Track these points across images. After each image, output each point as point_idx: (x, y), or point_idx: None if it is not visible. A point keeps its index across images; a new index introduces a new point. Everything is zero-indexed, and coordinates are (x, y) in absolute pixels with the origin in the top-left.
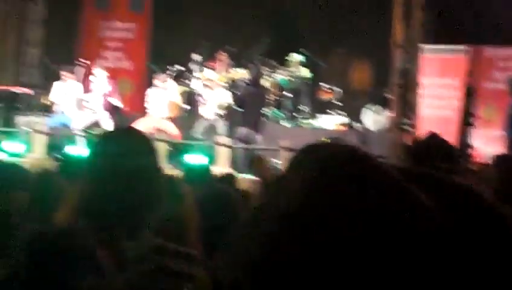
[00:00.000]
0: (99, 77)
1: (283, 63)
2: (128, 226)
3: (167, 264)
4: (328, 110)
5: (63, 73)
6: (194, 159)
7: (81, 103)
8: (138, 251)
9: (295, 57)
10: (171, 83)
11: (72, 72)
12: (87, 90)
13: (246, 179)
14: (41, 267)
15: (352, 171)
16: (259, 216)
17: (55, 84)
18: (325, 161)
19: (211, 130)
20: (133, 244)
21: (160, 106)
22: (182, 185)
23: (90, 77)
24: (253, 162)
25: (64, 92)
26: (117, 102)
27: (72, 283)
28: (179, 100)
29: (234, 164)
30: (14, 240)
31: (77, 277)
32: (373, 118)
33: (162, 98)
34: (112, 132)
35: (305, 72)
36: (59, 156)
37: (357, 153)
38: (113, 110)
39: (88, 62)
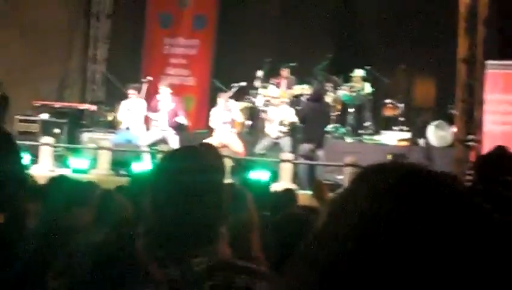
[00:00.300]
0: (165, 95)
1: (346, 79)
2: (195, 242)
3: (235, 280)
4: (391, 126)
5: (129, 91)
6: (257, 175)
7: (147, 120)
8: (206, 267)
9: (358, 73)
10: (232, 102)
11: (138, 90)
12: (151, 107)
13: (308, 195)
14: (100, 280)
15: (420, 191)
16: (329, 229)
17: (123, 103)
18: (395, 182)
19: (275, 146)
20: (201, 261)
21: (224, 124)
22: (246, 194)
23: (157, 96)
24: (314, 187)
25: (130, 109)
26: (182, 119)
27: None
28: (242, 118)
29: (297, 180)
30: (74, 254)
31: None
32: (437, 134)
33: (226, 116)
34: (176, 150)
35: (368, 88)
36: (124, 172)
37: (422, 172)
38: (178, 127)
39: (151, 79)
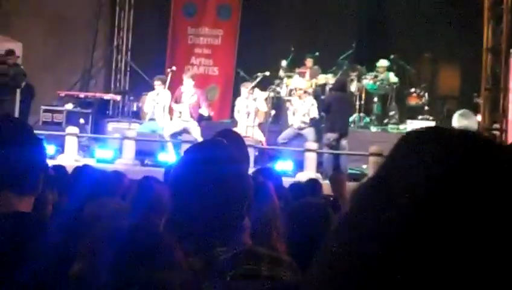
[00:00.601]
0: (188, 86)
1: (371, 68)
2: (220, 232)
3: (260, 269)
4: (416, 115)
5: (155, 82)
6: (281, 165)
7: (171, 111)
8: (230, 256)
9: (383, 63)
10: (257, 91)
11: (163, 81)
12: (175, 98)
13: None
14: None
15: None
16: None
17: (149, 94)
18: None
19: (298, 137)
20: (225, 250)
21: (248, 115)
22: (268, 185)
23: (180, 87)
24: (331, 180)
25: (155, 100)
26: (204, 111)
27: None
28: (266, 107)
29: (321, 169)
30: (97, 239)
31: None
32: (462, 123)
33: (250, 106)
34: (200, 143)
35: (393, 78)
36: (149, 162)
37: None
38: (200, 118)
39: (175, 68)
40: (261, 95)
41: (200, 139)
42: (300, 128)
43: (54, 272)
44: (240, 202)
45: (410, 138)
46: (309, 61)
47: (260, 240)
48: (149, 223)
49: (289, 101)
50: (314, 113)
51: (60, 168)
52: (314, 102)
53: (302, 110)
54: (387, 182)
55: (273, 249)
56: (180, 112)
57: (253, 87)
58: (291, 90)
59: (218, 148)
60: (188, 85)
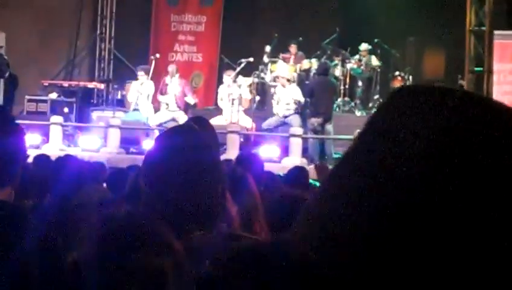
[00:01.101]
0: (172, 76)
1: (355, 52)
2: (195, 216)
3: None
4: None
5: (138, 73)
6: (266, 150)
7: (156, 102)
8: (211, 240)
9: (365, 46)
10: (240, 79)
11: (146, 71)
12: (160, 90)
13: None
14: (111, 252)
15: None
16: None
17: (132, 84)
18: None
19: (284, 124)
20: (202, 235)
21: (232, 102)
22: (247, 177)
23: (165, 79)
24: (318, 169)
25: (139, 90)
26: (191, 99)
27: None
28: (249, 94)
29: (307, 154)
30: (85, 229)
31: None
32: None
33: (234, 94)
34: (171, 129)
35: (375, 61)
36: (134, 150)
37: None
38: (187, 107)
39: (159, 56)
40: (244, 82)
41: None
42: (285, 116)
43: (39, 261)
44: (213, 187)
45: (405, 91)
46: (293, 47)
47: (244, 231)
48: (139, 210)
49: (274, 87)
50: (299, 97)
51: (43, 158)
52: (298, 89)
53: (286, 98)
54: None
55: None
56: (167, 104)
57: (237, 74)
58: (275, 76)
59: (190, 134)
60: (172, 74)
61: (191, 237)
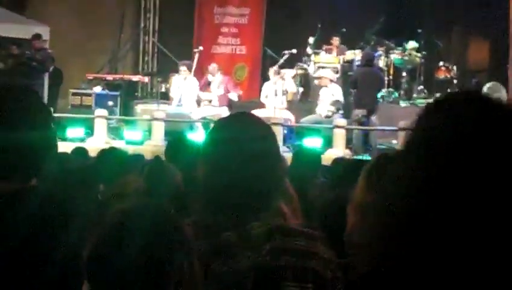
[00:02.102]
0: (215, 74)
1: (399, 43)
2: (251, 208)
3: (294, 243)
4: (445, 89)
5: (181, 68)
6: (310, 142)
7: (199, 99)
8: (264, 230)
9: (412, 45)
10: (286, 70)
11: (188, 67)
12: (202, 85)
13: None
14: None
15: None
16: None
17: (174, 79)
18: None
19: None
20: (259, 224)
21: (276, 97)
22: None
23: (207, 77)
24: None
25: (180, 87)
26: (234, 96)
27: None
28: (294, 87)
29: (351, 146)
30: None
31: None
32: (491, 96)
33: (278, 88)
34: (230, 116)
35: (419, 54)
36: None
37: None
38: (230, 103)
39: (202, 48)
40: (289, 75)
41: None
42: (327, 117)
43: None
44: (268, 178)
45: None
46: (335, 40)
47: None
48: (159, 203)
49: (318, 78)
50: (339, 97)
51: (81, 151)
52: (339, 88)
53: (328, 98)
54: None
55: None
56: (210, 101)
57: (280, 66)
58: (318, 67)
59: (245, 124)
60: (214, 73)
61: (248, 227)
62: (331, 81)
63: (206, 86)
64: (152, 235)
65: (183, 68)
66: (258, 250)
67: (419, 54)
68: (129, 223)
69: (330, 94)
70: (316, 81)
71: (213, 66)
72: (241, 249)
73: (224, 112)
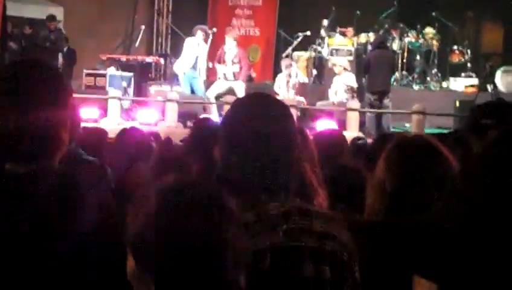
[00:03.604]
0: (231, 47)
1: (413, 25)
2: (271, 188)
3: (311, 224)
4: (459, 73)
5: (198, 32)
6: (324, 124)
7: (209, 70)
8: (282, 211)
9: (429, 30)
10: (297, 54)
11: (204, 31)
12: (218, 56)
13: None
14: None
15: None
16: None
17: (187, 40)
18: None
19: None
20: (276, 205)
21: (287, 89)
22: (306, 132)
23: (223, 47)
24: None
25: (195, 51)
26: (247, 71)
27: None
28: (306, 78)
29: (364, 128)
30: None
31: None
32: (505, 79)
33: (290, 81)
34: (248, 96)
35: (436, 37)
36: (191, 124)
37: None
38: (244, 78)
39: (215, 30)
40: (299, 68)
41: None
42: (341, 103)
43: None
44: (286, 158)
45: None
46: (349, 31)
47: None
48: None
49: (328, 60)
50: (353, 83)
51: (99, 131)
52: (352, 76)
53: (341, 86)
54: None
55: (313, 192)
56: (225, 73)
57: (294, 48)
58: (332, 50)
59: (266, 104)
60: (230, 45)
61: (266, 207)
62: (345, 69)
63: (221, 57)
64: (201, 210)
65: (200, 33)
66: (276, 231)
67: (436, 38)
68: (178, 198)
69: (342, 82)
70: (330, 65)
71: (229, 29)
72: (259, 230)
73: (238, 86)
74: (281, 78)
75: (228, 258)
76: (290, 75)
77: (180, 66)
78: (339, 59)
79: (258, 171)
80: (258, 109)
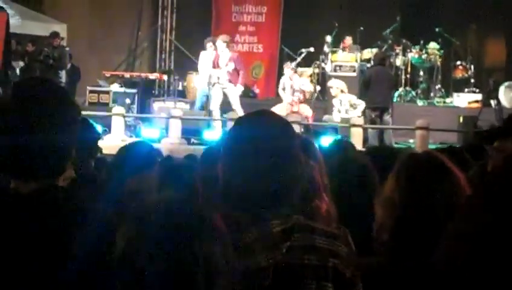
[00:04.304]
0: (222, 50)
1: (416, 41)
2: (273, 205)
3: (314, 241)
4: (462, 88)
5: (207, 44)
6: (327, 141)
7: (210, 78)
8: (284, 228)
9: (433, 45)
10: (300, 70)
11: (214, 43)
12: (213, 62)
13: None
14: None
15: None
16: None
17: (202, 54)
18: None
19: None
20: (278, 222)
21: (293, 93)
22: (314, 143)
23: (216, 51)
24: None
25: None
26: (242, 75)
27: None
28: (311, 87)
29: (367, 145)
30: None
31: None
32: (508, 95)
33: (295, 85)
34: (250, 114)
35: (439, 53)
36: (195, 140)
37: None
38: (242, 82)
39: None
40: (305, 74)
41: (237, 104)
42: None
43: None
44: (289, 175)
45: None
46: (348, 39)
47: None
48: (187, 197)
49: (332, 76)
50: (355, 101)
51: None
52: (351, 97)
53: (344, 107)
54: None
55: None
56: (218, 77)
57: (297, 64)
58: (335, 66)
59: (265, 122)
60: (221, 48)
61: (268, 225)
62: (342, 91)
63: (216, 62)
64: (174, 227)
65: (209, 44)
66: (278, 248)
67: (439, 53)
68: (152, 217)
69: (339, 104)
70: (332, 74)
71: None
72: (261, 247)
73: (231, 91)
74: (283, 81)
75: (212, 281)
76: (292, 78)
77: (197, 81)
78: (334, 81)
79: (258, 188)
80: (258, 127)
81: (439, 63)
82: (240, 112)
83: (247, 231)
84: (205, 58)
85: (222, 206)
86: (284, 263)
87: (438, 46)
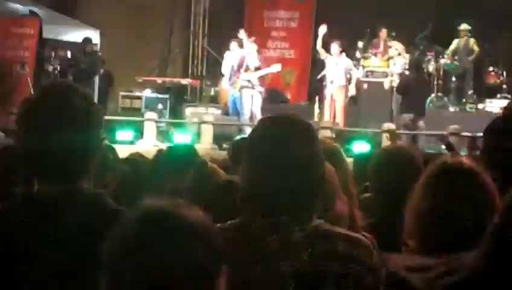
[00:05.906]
0: (250, 51)
1: (448, 47)
2: (294, 211)
3: (336, 247)
4: (494, 94)
5: (232, 44)
6: (359, 146)
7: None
8: (305, 234)
9: (464, 26)
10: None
11: (240, 44)
12: (239, 65)
13: None
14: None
15: None
16: None
17: (226, 55)
18: None
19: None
20: (300, 228)
21: (336, 82)
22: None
23: (245, 54)
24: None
25: (232, 61)
26: (276, 67)
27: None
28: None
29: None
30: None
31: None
32: None
33: (339, 72)
34: (273, 118)
35: (474, 45)
36: (227, 146)
37: None
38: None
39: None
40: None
41: (258, 108)
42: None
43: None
44: (310, 181)
45: None
46: (383, 32)
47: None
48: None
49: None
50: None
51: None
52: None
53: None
54: None
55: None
56: (249, 80)
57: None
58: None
59: (289, 126)
60: (250, 49)
61: (288, 231)
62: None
63: (244, 65)
64: (181, 242)
65: (234, 44)
66: (299, 256)
67: (472, 39)
68: (146, 228)
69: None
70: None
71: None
72: (282, 256)
73: (256, 95)
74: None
75: None
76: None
77: (224, 83)
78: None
79: (278, 193)
80: (278, 132)
81: (471, 69)
82: (259, 116)
83: (269, 239)
84: (230, 59)
85: (243, 213)
86: (305, 271)
87: (469, 27)
